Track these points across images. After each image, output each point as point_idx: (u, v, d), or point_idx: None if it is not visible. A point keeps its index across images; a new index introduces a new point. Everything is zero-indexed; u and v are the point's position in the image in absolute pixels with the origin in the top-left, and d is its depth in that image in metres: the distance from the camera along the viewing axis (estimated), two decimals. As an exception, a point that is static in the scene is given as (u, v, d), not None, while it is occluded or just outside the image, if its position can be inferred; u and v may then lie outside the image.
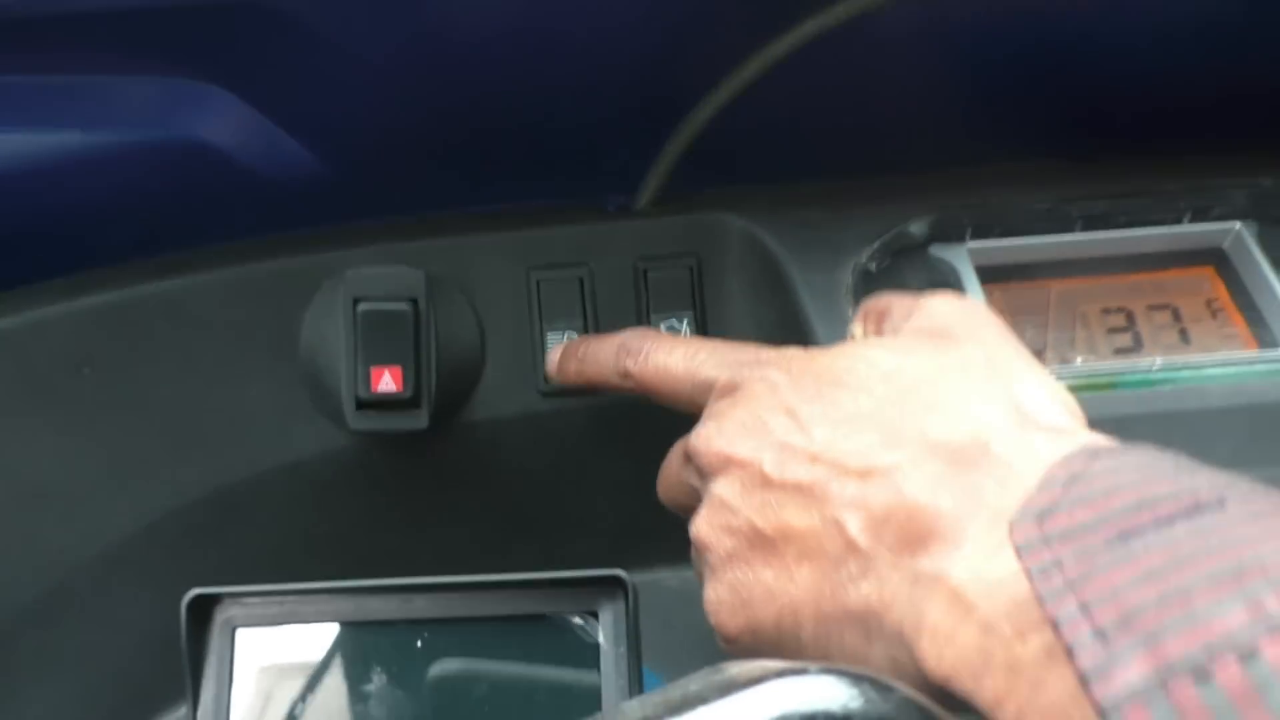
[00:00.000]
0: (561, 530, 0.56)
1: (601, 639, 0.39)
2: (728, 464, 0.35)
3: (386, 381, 0.48)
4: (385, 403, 0.49)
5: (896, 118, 0.54)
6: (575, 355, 0.48)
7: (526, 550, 0.56)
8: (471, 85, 0.50)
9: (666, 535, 0.58)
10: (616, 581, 0.39)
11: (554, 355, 0.50)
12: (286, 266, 0.51)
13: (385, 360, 0.48)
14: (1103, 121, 0.55)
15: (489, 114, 0.52)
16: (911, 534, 0.30)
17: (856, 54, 0.51)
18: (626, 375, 0.44)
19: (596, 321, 0.52)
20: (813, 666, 0.22)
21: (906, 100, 0.53)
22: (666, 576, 0.58)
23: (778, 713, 0.21)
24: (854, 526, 0.31)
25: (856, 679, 0.21)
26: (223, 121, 0.50)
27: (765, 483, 0.34)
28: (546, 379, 0.51)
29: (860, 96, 0.53)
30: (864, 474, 0.31)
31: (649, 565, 0.58)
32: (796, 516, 0.33)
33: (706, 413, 0.38)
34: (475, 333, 0.52)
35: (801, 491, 0.33)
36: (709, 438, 0.36)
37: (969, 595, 0.27)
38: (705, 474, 0.37)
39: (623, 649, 0.39)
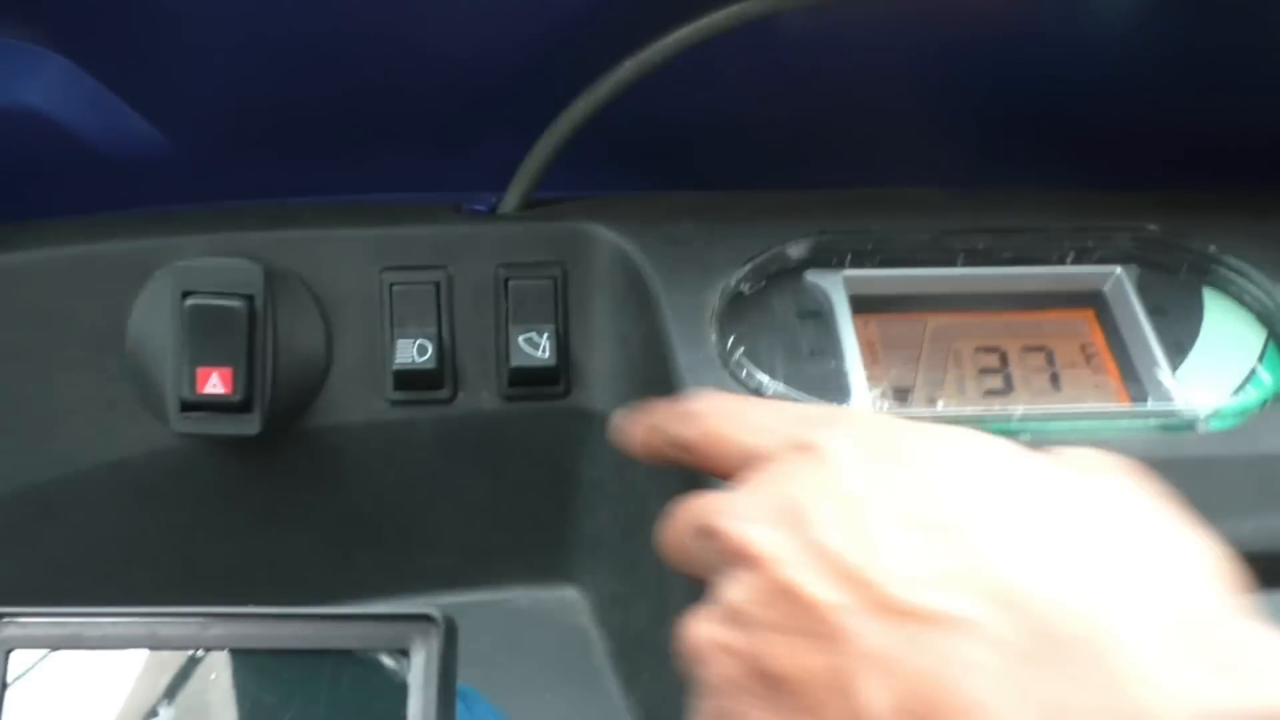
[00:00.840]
0: (409, 544, 0.54)
1: (411, 679, 0.37)
2: (743, 557, 0.27)
3: (214, 383, 0.45)
4: (213, 405, 0.45)
5: (779, 131, 0.52)
6: (648, 426, 0.37)
7: (371, 564, 0.53)
8: (332, 65, 0.47)
9: (520, 553, 0.55)
10: (429, 619, 0.36)
11: (635, 432, 0.38)
12: (117, 250, 0.47)
13: (214, 361, 0.45)
14: (993, 151, 0.54)
15: (350, 97, 0.49)
16: None
17: (739, 61, 0.48)
18: (684, 448, 0.34)
19: (452, 329, 0.49)
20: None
21: (790, 113, 0.51)
22: (518, 596, 0.55)
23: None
24: (867, 693, 0.22)
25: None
26: (57, 89, 0.47)
27: (785, 595, 0.25)
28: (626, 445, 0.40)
29: (742, 105, 0.51)
30: (904, 614, 0.22)
31: (500, 583, 0.55)
32: (803, 655, 0.24)
33: (742, 478, 0.30)
34: (320, 334, 0.49)
35: (817, 619, 0.24)
36: (729, 515, 0.28)
37: None
38: (719, 561, 0.28)
39: (433, 692, 0.37)
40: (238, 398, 0.45)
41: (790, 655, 0.24)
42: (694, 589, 0.46)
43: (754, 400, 0.34)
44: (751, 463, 0.30)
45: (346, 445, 0.50)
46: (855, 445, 0.27)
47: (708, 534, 0.29)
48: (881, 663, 0.22)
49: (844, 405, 0.36)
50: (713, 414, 0.33)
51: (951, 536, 0.23)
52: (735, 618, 0.26)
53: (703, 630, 0.27)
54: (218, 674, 0.37)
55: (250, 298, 0.45)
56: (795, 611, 0.24)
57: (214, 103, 0.48)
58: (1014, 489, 0.24)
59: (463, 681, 0.44)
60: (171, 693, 0.37)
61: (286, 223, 0.49)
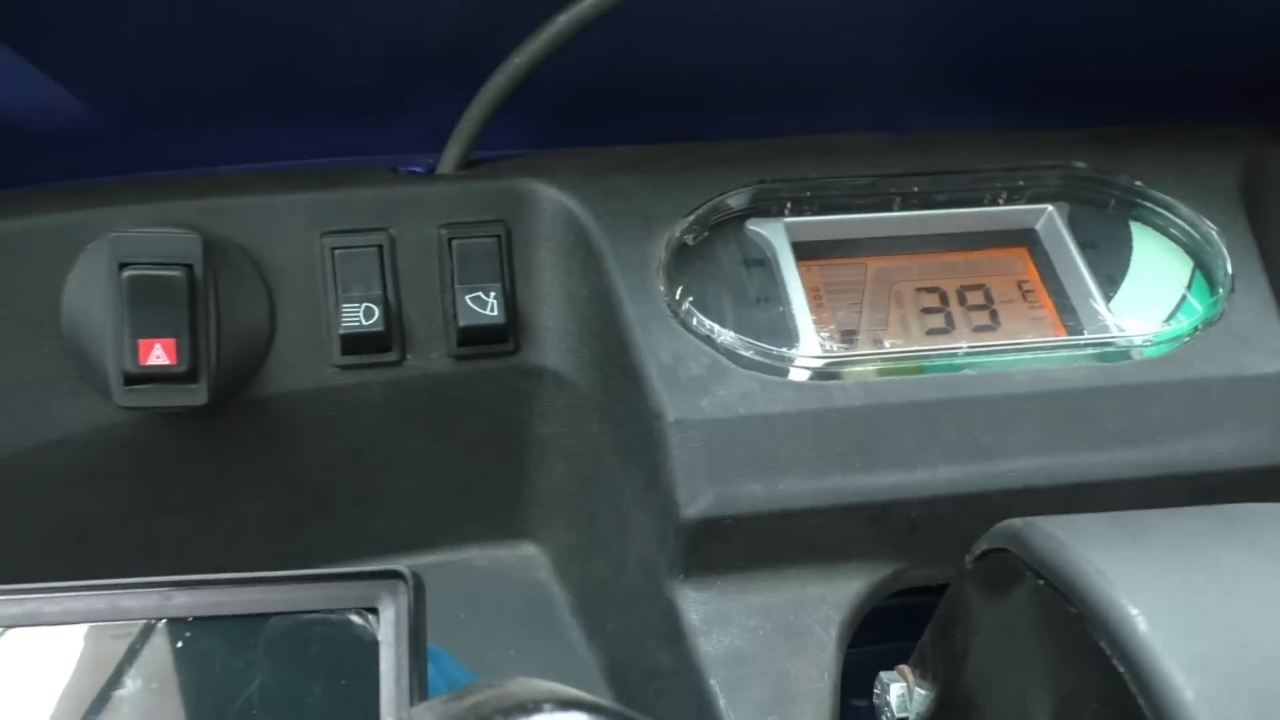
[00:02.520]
0: (364, 510, 0.53)
1: (381, 636, 0.37)
2: None
3: (158, 354, 0.44)
4: (158, 377, 0.45)
5: (715, 83, 0.52)
6: None
7: (325, 532, 0.53)
8: (257, 30, 0.46)
9: (476, 513, 0.55)
10: (397, 576, 0.36)
11: None
12: (46, 225, 0.46)
13: (156, 332, 0.44)
14: (925, 96, 0.54)
15: (277, 62, 0.48)
16: None
17: (674, 12, 0.48)
18: None
19: (398, 291, 0.49)
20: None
21: (725, 62, 0.51)
22: (475, 556, 0.56)
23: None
24: None
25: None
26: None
27: None
28: None
29: (678, 57, 0.51)
30: None
31: (457, 544, 0.55)
32: None
33: None
34: (263, 301, 0.48)
35: None
36: None
37: None
38: None
39: (404, 647, 0.37)
40: (183, 368, 0.44)
41: None
42: (655, 537, 0.46)
43: None
44: None
45: (295, 412, 0.49)
46: None
47: None
48: None
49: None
50: None
51: None
52: None
53: None
54: (183, 644, 0.37)
55: (190, 266, 0.45)
56: None
57: (137, 71, 0.46)
58: None
59: (428, 643, 0.44)
60: (136, 665, 0.36)
61: (221, 191, 0.48)
